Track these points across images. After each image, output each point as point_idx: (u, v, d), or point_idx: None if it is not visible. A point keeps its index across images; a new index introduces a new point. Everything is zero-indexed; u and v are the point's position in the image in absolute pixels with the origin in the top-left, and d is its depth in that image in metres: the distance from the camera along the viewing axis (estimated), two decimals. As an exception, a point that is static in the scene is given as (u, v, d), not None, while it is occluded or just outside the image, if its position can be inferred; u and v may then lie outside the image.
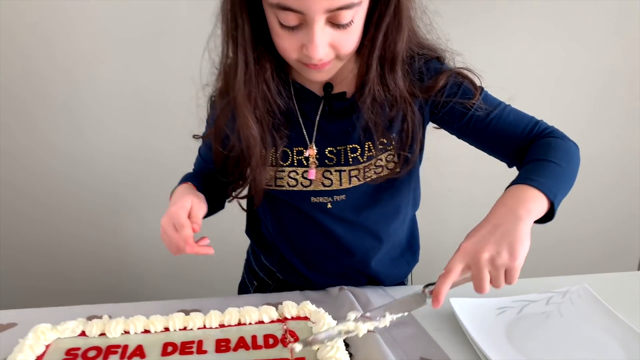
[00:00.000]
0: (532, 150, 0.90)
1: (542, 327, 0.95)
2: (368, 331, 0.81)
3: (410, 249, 1.18)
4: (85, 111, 1.91)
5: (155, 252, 2.01)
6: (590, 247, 2.24)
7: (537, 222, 0.81)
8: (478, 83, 0.97)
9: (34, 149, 1.93)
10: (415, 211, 1.18)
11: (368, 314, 0.80)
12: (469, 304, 0.99)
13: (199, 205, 0.93)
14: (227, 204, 1.14)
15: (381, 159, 1.00)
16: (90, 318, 0.98)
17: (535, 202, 0.78)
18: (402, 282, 1.21)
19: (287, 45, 0.83)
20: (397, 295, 1.08)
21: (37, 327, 0.83)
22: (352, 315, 0.81)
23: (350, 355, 0.83)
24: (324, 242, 1.08)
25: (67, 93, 1.87)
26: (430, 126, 1.05)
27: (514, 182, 0.83)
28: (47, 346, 0.83)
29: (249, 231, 1.21)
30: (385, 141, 0.98)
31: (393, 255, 1.14)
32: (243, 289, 1.27)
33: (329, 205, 1.03)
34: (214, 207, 1.09)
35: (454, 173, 2.04)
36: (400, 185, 1.05)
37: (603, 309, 0.98)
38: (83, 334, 0.86)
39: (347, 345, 0.86)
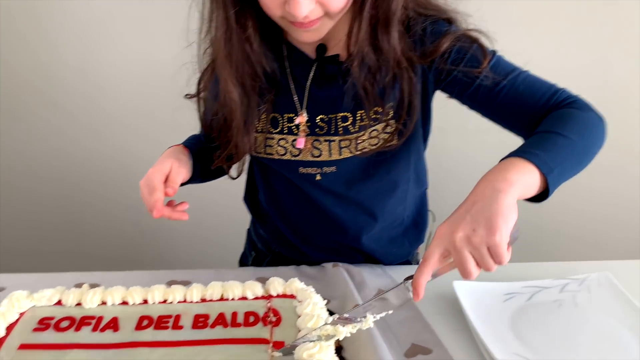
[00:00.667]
0: (542, 123, 0.80)
1: (552, 317, 0.87)
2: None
3: (416, 228, 1.10)
4: (104, 73, 1.88)
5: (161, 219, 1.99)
6: (618, 232, 2.08)
7: (531, 200, 0.72)
8: (490, 47, 0.87)
9: (46, 106, 1.92)
10: (422, 189, 1.09)
11: (347, 315, 0.73)
12: (474, 288, 0.92)
13: (178, 169, 0.88)
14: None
15: (376, 130, 0.92)
16: (79, 285, 0.96)
17: (521, 173, 0.68)
18: (407, 262, 1.14)
19: (269, 1, 0.76)
20: (396, 276, 1.02)
21: (13, 294, 0.81)
22: (329, 318, 0.74)
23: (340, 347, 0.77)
24: (314, 215, 1.02)
25: (82, 56, 1.85)
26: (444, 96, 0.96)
27: (505, 156, 0.74)
28: (22, 314, 0.80)
29: (246, 199, 1.16)
30: (380, 110, 0.90)
31: (393, 234, 1.07)
32: (243, 259, 1.23)
33: (318, 177, 0.96)
34: (210, 172, 1.04)
35: (480, 145, 1.92)
36: (398, 159, 0.96)
37: (624, 300, 0.89)
38: (59, 303, 0.83)
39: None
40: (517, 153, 0.72)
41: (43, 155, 2.00)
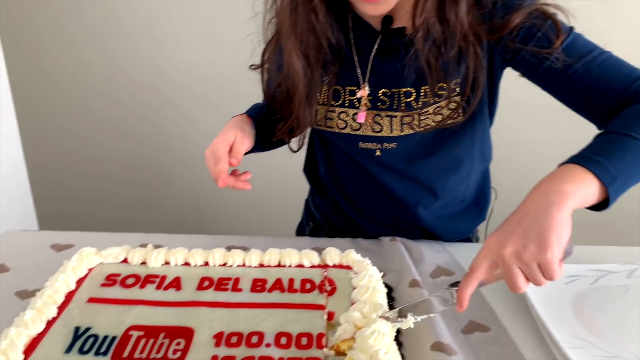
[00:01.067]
0: (616, 118, 0.74)
1: (617, 302, 0.84)
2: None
3: (477, 205, 1.07)
4: (169, 41, 1.92)
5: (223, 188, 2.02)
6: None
7: (591, 208, 0.68)
8: (567, 24, 0.82)
9: (108, 66, 1.98)
10: (485, 166, 1.06)
11: (388, 314, 0.73)
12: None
13: (242, 139, 0.89)
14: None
15: (440, 106, 0.89)
16: (143, 246, 1.00)
17: (578, 184, 0.63)
18: (467, 239, 1.12)
19: None
20: (456, 253, 1.00)
21: (82, 251, 0.85)
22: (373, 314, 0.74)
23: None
24: (372, 190, 1.01)
25: (147, 19, 1.89)
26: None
27: (565, 161, 0.69)
28: (90, 270, 0.84)
29: (306, 170, 1.16)
30: (444, 86, 0.87)
31: (454, 211, 1.05)
32: (301, 229, 1.24)
33: (378, 153, 0.95)
34: (272, 142, 1.05)
35: (546, 122, 1.85)
36: (461, 136, 0.93)
37: (698, 289, 0.84)
38: (125, 261, 0.87)
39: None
40: (577, 159, 0.67)
41: (109, 125, 2.07)
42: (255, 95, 1.08)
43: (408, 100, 0.89)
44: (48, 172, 2.10)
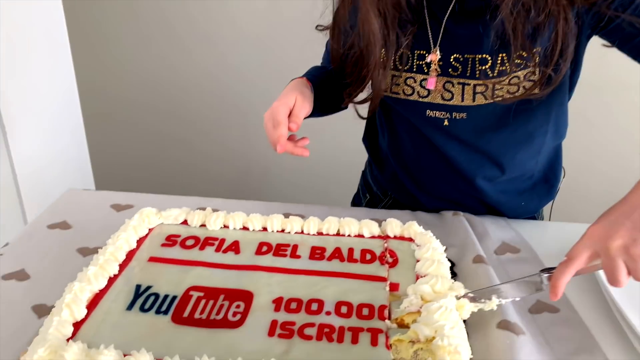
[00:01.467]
0: None
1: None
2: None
3: (546, 182, 1.02)
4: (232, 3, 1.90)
5: (272, 152, 2.00)
6: None
7: None
8: None
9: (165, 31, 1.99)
10: (558, 142, 1.00)
11: (472, 294, 0.70)
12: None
13: (303, 104, 0.86)
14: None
15: (518, 77, 0.84)
16: (202, 209, 1.00)
17: None
18: (533, 217, 1.06)
19: None
20: (521, 230, 0.96)
21: (143, 211, 0.85)
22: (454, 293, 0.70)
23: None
24: (437, 163, 0.96)
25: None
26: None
27: None
28: (151, 230, 0.84)
29: (365, 140, 1.12)
30: (525, 55, 0.81)
31: (520, 187, 0.99)
32: (356, 201, 1.21)
33: (446, 123, 0.90)
34: (331, 106, 1.02)
35: (624, 102, 1.75)
36: (537, 110, 0.87)
37: None
38: (185, 222, 0.86)
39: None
40: None
41: (165, 88, 2.09)
42: (317, 60, 1.06)
43: (483, 67, 0.84)
44: (105, 137, 2.15)
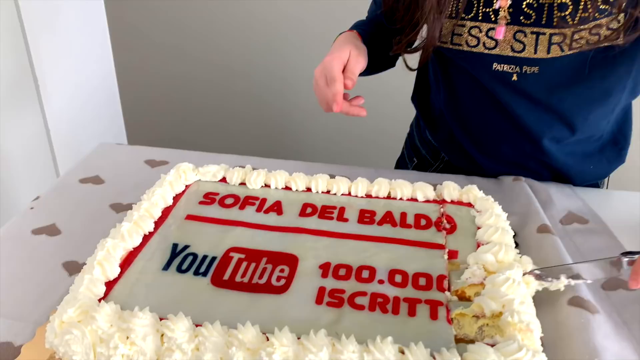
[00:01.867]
0: None
1: None
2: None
3: (615, 145, 0.92)
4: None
5: (314, 109, 1.90)
6: None
7: None
8: None
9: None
10: (630, 101, 0.90)
11: (538, 272, 0.62)
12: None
13: (357, 58, 0.78)
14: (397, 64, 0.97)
15: (600, 24, 0.74)
16: (240, 167, 0.94)
17: None
18: (595, 185, 0.97)
19: None
20: (588, 200, 0.87)
21: (179, 166, 0.80)
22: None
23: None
24: (502, 122, 0.87)
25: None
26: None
27: None
28: (187, 186, 0.79)
29: (415, 99, 1.04)
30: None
31: (588, 150, 0.90)
32: (401, 165, 1.14)
33: (515, 78, 0.81)
34: (379, 63, 0.94)
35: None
36: (618, 64, 0.78)
37: None
38: (224, 180, 0.80)
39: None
40: None
41: (200, 41, 2.01)
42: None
43: (562, 14, 0.74)
44: (139, 93, 2.09)
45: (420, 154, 1.06)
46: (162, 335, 0.53)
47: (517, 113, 0.84)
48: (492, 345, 0.54)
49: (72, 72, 1.42)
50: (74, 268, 0.71)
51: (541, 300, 0.64)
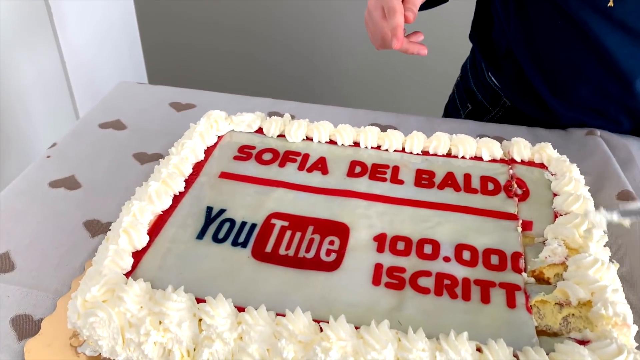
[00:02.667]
0: None
1: None
2: None
3: None
4: None
5: (355, 47, 1.75)
6: None
7: None
8: None
9: None
10: None
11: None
12: None
13: None
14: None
15: None
16: (270, 114, 0.85)
17: None
18: None
19: None
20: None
21: (210, 114, 0.70)
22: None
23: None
24: (586, 57, 0.75)
25: None
26: None
27: None
28: (220, 137, 0.70)
29: (474, 36, 0.91)
30: None
31: None
32: (451, 112, 1.02)
33: (611, 3, 0.68)
34: None
35: None
36: None
37: None
38: (260, 131, 0.71)
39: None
40: None
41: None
42: None
43: None
44: (160, 30, 1.95)
45: (476, 99, 0.94)
46: (200, 320, 0.46)
47: (607, 47, 0.72)
48: (582, 342, 0.46)
49: (89, 5, 1.30)
50: (96, 228, 0.64)
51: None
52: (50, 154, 0.76)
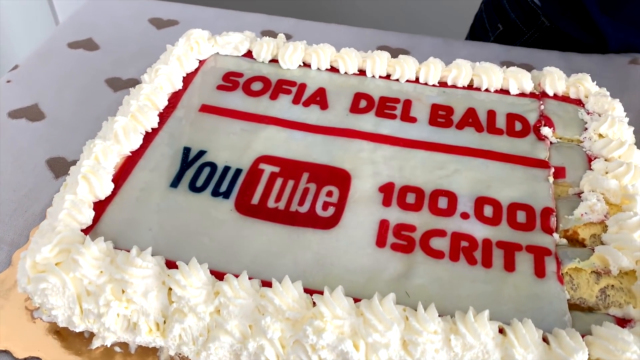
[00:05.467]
0: None
1: None
2: None
3: None
4: None
5: None
6: None
7: None
8: None
9: None
10: None
11: None
12: None
13: None
14: None
15: None
16: (264, 34, 0.74)
17: None
18: None
19: None
20: None
21: (191, 33, 0.59)
22: None
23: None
24: None
25: None
26: None
27: None
28: (202, 62, 0.60)
29: None
30: None
31: None
32: (478, 34, 0.89)
33: None
34: None
35: None
36: None
37: None
38: (249, 54, 0.61)
39: None
40: None
41: None
42: None
43: None
44: None
45: (509, 19, 0.81)
46: (170, 290, 0.38)
47: None
48: (623, 321, 0.39)
49: None
50: (61, 167, 0.56)
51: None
52: (11, 79, 0.67)
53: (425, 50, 0.71)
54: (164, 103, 0.54)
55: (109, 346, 0.42)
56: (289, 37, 0.73)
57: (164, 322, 0.39)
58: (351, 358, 0.36)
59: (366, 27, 0.78)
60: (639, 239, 0.42)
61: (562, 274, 0.42)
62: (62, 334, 0.43)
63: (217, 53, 0.61)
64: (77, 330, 0.41)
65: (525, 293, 0.40)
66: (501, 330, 0.37)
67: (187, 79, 0.57)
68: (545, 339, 0.36)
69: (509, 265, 0.42)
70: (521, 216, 0.45)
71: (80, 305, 0.39)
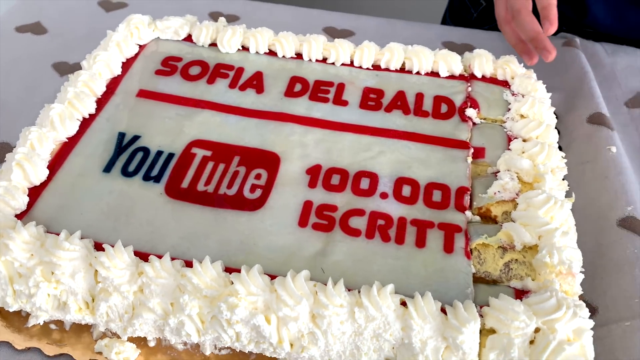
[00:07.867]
0: None
1: None
2: None
3: None
4: None
5: None
6: None
7: None
8: None
9: None
10: None
11: None
12: None
13: None
14: None
15: None
16: (212, 15, 0.75)
17: None
18: None
19: None
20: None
21: (131, 18, 0.61)
22: None
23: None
24: None
25: None
26: None
27: None
28: (142, 47, 0.61)
29: None
30: None
31: None
32: (458, 11, 0.87)
33: None
34: None
35: None
36: None
37: None
38: (189, 39, 0.62)
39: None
40: None
41: None
42: None
43: None
44: None
45: None
46: (97, 271, 0.41)
47: None
48: (521, 292, 0.42)
49: None
50: (6, 154, 0.58)
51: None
52: (-43, 64, 0.68)
53: (369, 30, 0.72)
54: (102, 89, 0.55)
55: (42, 324, 0.44)
56: (236, 19, 0.74)
57: (92, 300, 0.42)
58: (263, 331, 0.39)
59: (332, 9, 0.78)
60: (544, 216, 0.45)
61: (470, 249, 0.45)
62: (2, 313, 0.45)
63: (158, 38, 0.62)
64: (12, 310, 0.43)
65: (432, 268, 0.43)
66: (404, 303, 0.40)
67: (127, 65, 0.59)
68: (443, 310, 0.40)
69: (420, 242, 0.45)
70: (437, 195, 0.48)
71: (12, 286, 0.42)
